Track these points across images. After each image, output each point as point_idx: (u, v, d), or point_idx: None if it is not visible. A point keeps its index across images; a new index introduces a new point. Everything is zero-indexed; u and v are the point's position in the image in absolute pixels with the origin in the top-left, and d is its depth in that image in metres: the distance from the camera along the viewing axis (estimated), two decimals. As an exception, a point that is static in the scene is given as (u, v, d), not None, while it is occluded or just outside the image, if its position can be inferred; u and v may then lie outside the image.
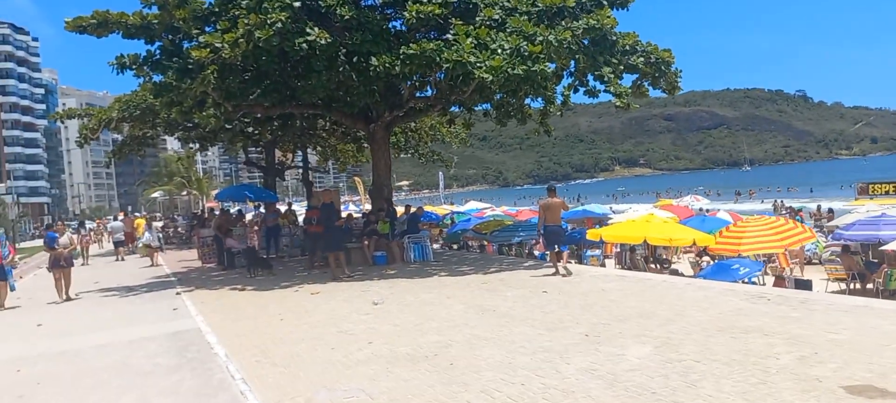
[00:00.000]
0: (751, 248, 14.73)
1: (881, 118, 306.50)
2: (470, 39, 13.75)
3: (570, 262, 15.30)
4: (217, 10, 15.67)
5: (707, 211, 32.79)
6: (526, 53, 13.52)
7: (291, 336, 9.22)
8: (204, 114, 17.27)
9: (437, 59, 13.72)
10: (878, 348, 6.62)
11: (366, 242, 18.19)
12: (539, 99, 17.20)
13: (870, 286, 15.98)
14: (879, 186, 28.02)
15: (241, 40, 13.87)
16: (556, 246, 13.88)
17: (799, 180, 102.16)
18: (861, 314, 8.18)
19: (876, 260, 17.28)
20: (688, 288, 11.30)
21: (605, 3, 16.40)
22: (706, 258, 16.34)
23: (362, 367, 7.26)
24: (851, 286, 16.30)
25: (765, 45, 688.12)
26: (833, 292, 16.38)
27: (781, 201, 52.42)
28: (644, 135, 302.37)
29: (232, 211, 28.10)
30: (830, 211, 32.00)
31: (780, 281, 14.38)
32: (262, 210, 26.19)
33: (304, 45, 14.17)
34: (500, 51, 13.57)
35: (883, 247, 15.64)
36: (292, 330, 9.61)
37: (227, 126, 23.50)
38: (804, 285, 13.95)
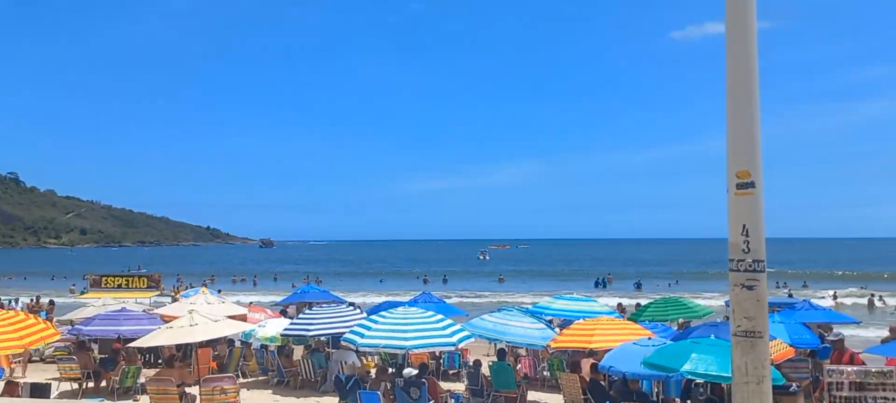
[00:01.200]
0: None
1: (92, 210, 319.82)
2: None
3: None
4: None
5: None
6: None
7: None
8: None
9: None
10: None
11: None
12: None
13: (104, 384, 15.73)
14: (111, 279, 28.43)
15: None
16: None
17: (9, 267, 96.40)
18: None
19: (107, 355, 17.21)
20: None
21: None
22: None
23: None
24: (86, 385, 15.73)
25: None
26: (65, 392, 15.55)
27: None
28: None
29: None
30: (51, 302, 30.90)
31: (13, 387, 12.63)
32: None
33: None
34: None
35: (124, 343, 15.63)
36: None
37: None
38: (41, 390, 12.63)
